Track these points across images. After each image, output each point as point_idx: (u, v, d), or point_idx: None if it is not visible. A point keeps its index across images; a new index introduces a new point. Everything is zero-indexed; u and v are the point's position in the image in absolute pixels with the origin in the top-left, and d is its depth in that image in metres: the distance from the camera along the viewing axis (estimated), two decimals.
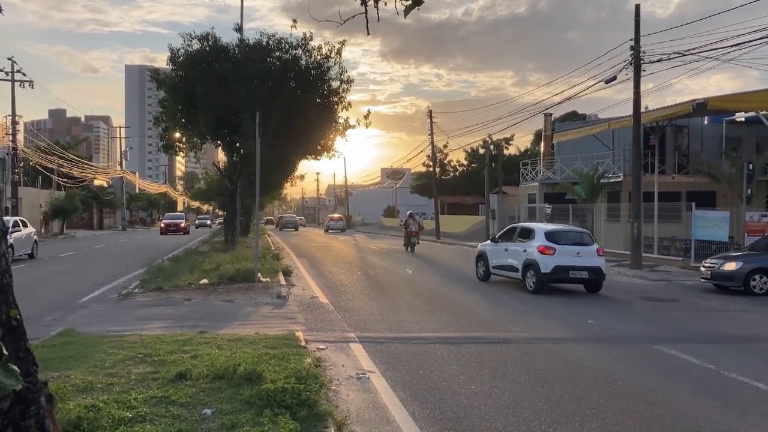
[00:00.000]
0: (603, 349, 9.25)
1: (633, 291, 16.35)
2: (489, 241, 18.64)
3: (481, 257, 18.11)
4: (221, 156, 36.69)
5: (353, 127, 24.57)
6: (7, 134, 40.30)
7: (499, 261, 17.07)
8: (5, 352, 2.65)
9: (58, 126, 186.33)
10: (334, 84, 23.33)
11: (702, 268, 16.99)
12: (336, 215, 67.05)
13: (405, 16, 3.12)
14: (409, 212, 32.94)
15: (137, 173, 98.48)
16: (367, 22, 3.19)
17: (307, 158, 27.38)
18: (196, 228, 68.97)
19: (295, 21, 22.46)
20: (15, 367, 2.65)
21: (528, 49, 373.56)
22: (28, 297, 12.71)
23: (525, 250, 15.71)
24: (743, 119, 31.02)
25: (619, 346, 9.45)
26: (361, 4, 3.16)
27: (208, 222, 76.70)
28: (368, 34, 3.35)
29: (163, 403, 5.55)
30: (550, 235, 15.61)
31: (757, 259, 16.01)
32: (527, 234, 16.20)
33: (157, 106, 27.05)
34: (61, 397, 5.24)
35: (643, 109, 23.72)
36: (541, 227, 16.52)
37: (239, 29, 24.10)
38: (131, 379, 6.40)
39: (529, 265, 15.41)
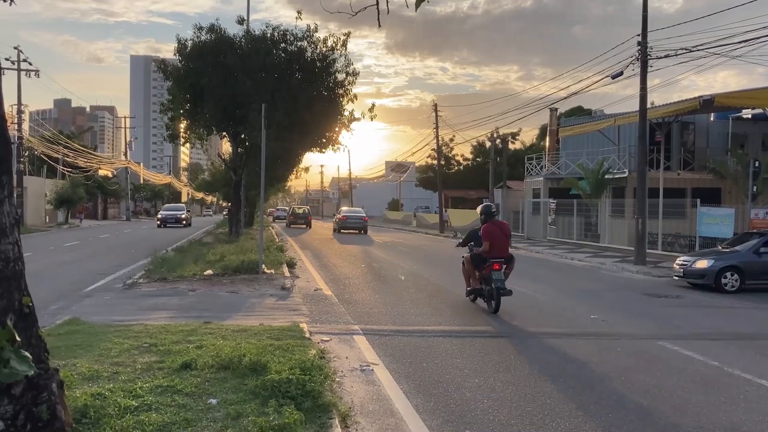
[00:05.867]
0: (606, 344, 9.26)
1: (636, 287, 16.35)
2: None
3: None
4: (226, 147, 36.71)
5: (358, 119, 24.61)
6: (12, 123, 40.34)
7: None
8: (18, 338, 2.68)
9: (63, 116, 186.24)
10: (340, 76, 23.33)
11: (675, 266, 16.94)
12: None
13: (416, 9, 3.12)
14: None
15: (142, 164, 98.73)
16: (378, 14, 3.20)
17: (312, 151, 27.40)
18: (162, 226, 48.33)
19: (299, 12, 22.48)
20: (28, 354, 2.68)
21: (534, 43, 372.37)
22: (33, 285, 12.72)
23: None
24: (750, 116, 30.88)
25: (623, 342, 9.46)
26: None
27: (182, 215, 51.53)
28: (379, 26, 3.35)
29: (168, 392, 5.59)
30: None
31: (727, 257, 15.99)
32: None
33: (162, 96, 27.12)
34: (68, 386, 5.26)
35: (649, 105, 23.62)
36: None
37: (244, 21, 24.06)
38: (137, 368, 6.44)
39: None
